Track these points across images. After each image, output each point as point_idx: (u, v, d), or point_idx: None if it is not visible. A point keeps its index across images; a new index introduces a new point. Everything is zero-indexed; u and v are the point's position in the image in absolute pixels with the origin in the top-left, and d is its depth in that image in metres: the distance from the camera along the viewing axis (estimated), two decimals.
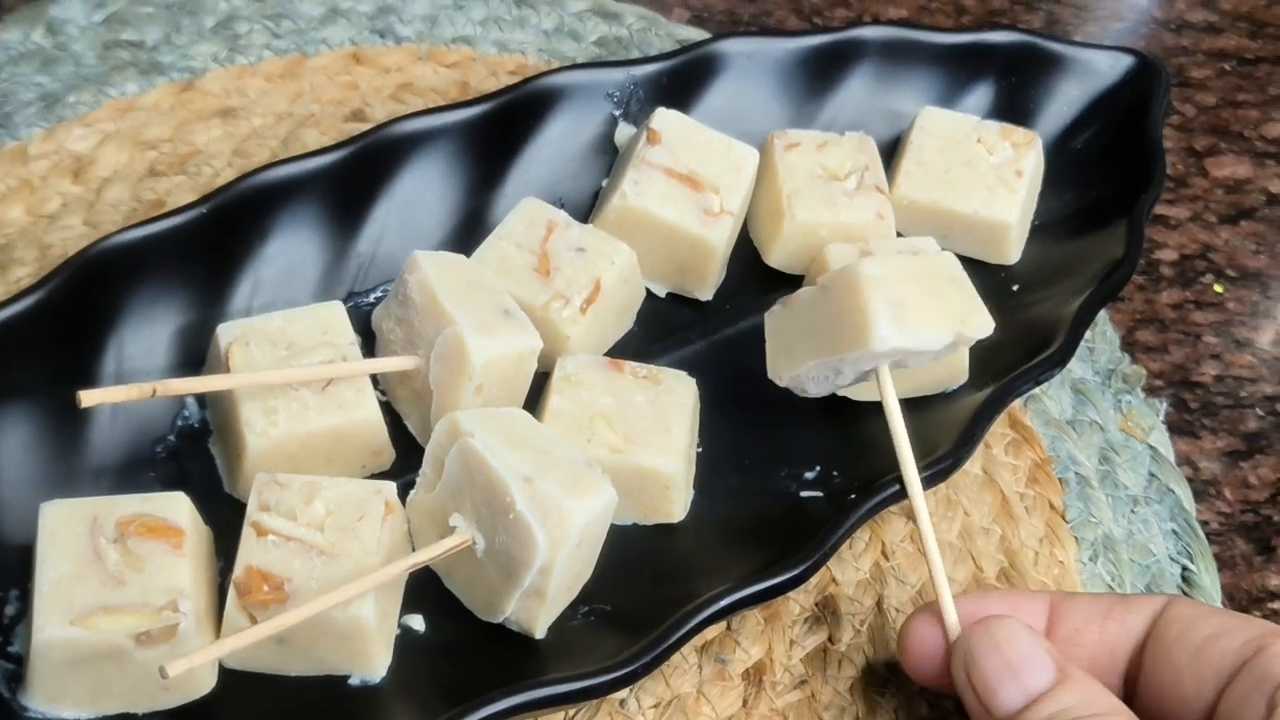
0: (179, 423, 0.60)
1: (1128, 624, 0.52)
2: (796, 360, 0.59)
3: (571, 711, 0.57)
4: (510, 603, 0.54)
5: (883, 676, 0.60)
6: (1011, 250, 0.70)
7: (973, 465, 0.67)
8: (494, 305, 0.59)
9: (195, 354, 0.60)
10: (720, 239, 0.65)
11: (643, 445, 0.59)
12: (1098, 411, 0.71)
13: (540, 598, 0.53)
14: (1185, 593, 0.65)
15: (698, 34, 0.85)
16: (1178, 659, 0.50)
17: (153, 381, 0.52)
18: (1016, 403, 0.66)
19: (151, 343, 0.59)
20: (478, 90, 0.78)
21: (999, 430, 0.68)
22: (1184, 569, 0.65)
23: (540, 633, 0.55)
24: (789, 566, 0.55)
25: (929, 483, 0.58)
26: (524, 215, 0.64)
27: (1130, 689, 0.52)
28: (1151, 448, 0.70)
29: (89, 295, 0.57)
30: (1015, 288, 0.70)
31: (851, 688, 0.59)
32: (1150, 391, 0.73)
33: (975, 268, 0.70)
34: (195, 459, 0.59)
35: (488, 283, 0.61)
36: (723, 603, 0.54)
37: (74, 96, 0.74)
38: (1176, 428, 0.73)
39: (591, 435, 0.58)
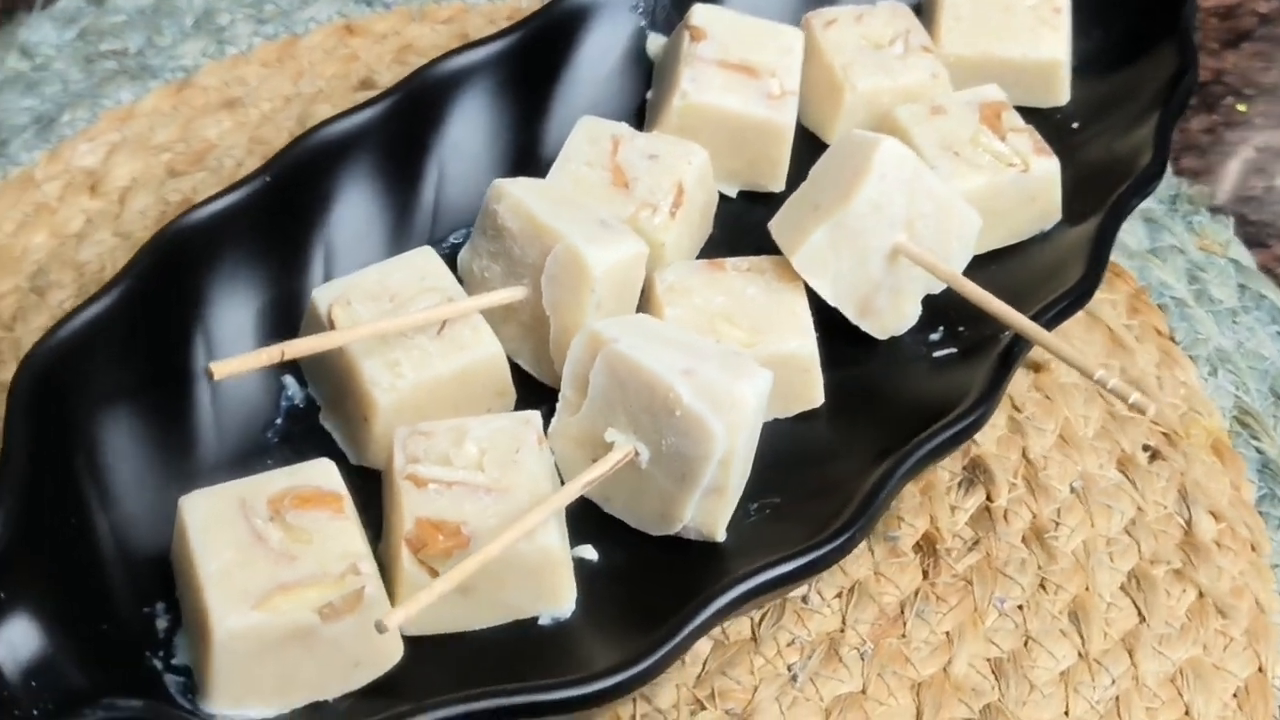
0: (283, 403, 0.56)
1: None
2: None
3: (755, 617, 0.54)
4: (689, 508, 0.51)
5: (1053, 522, 0.58)
6: (1063, 89, 0.69)
7: None
8: (589, 218, 0.57)
9: (284, 331, 0.56)
10: (789, 120, 0.63)
11: (773, 333, 0.56)
12: (1174, 236, 0.70)
13: (720, 495, 0.51)
14: None
15: None
16: None
17: (279, 344, 0.49)
18: None
19: (237, 329, 0.56)
20: None
21: None
22: None
23: (721, 535, 0.52)
24: (952, 424, 0.53)
25: (1067, 314, 0.57)
26: (585, 133, 0.62)
27: None
28: (1233, 260, 0.70)
29: (168, 284, 0.54)
30: (1075, 125, 0.69)
31: (1024, 539, 0.58)
32: (1212, 211, 0.73)
33: (1028, 114, 0.69)
34: (308, 439, 0.55)
35: (573, 199, 0.58)
36: (905, 466, 0.52)
37: (68, 115, 0.69)
38: (1247, 240, 0.72)
39: (718, 337, 0.56)
